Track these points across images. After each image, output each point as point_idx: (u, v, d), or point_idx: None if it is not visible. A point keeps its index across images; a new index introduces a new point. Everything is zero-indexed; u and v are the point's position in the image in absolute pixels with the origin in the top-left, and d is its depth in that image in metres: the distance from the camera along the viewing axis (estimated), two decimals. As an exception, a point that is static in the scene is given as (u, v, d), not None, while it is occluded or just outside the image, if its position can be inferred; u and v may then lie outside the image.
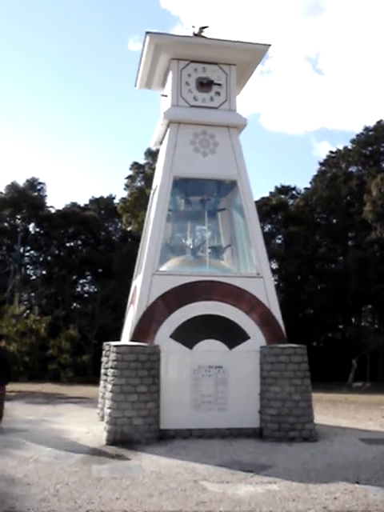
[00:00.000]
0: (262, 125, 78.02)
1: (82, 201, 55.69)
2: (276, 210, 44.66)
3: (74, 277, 46.45)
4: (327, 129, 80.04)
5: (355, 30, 78.67)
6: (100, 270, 45.29)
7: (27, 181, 47.53)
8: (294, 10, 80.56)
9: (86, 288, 49.16)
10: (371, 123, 46.12)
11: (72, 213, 45.65)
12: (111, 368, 11.81)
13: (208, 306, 12.62)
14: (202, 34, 14.26)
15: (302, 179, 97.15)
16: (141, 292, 12.68)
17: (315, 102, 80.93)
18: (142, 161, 41.19)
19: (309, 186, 47.16)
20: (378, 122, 44.83)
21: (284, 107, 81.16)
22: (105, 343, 15.11)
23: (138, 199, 37.82)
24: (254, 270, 13.40)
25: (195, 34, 14.25)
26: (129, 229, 42.03)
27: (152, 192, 15.71)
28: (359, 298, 39.81)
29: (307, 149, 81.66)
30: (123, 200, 40.82)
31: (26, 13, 78.72)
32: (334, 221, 44.33)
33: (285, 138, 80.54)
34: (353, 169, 45.71)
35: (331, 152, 47.05)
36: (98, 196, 51.41)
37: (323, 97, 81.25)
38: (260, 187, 68.88)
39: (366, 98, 78.68)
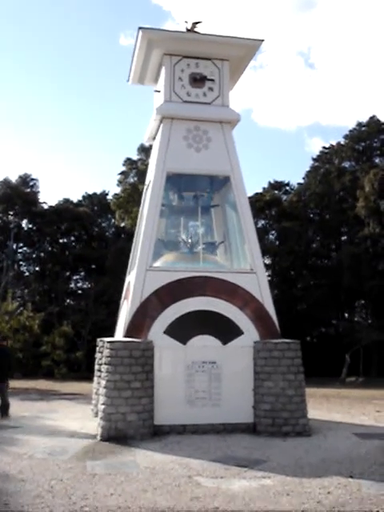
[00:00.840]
0: (254, 120, 77.95)
1: (75, 197, 55.71)
2: (269, 205, 44.67)
3: (68, 273, 46.37)
4: (320, 124, 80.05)
5: (347, 25, 78.75)
6: (93, 266, 45.25)
7: (20, 177, 47.36)
8: (285, 5, 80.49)
9: (79, 284, 49.09)
10: (364, 118, 46.23)
11: (65, 209, 45.55)
12: (105, 364, 11.80)
13: (202, 301, 12.62)
14: (195, 29, 14.23)
15: (294, 175, 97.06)
16: (134, 288, 12.67)
17: (308, 98, 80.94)
18: (135, 157, 41.14)
19: (302, 181, 47.22)
20: (371, 118, 44.89)
21: (276, 102, 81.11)
22: (98, 339, 15.11)
23: (131, 195, 37.72)
24: (247, 266, 13.41)
25: (188, 30, 14.21)
26: (122, 225, 41.92)
27: (145, 188, 15.69)
28: (352, 294, 39.93)
29: (299, 144, 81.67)
30: (116, 196, 40.74)
31: (18, 10, 78.37)
32: (327, 216, 44.38)
33: (277, 134, 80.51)
34: (346, 164, 45.76)
35: (324, 148, 47.13)
36: (91, 192, 51.34)
37: (316, 92, 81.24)
38: (252, 183, 68.62)
39: (358, 93, 78.79)
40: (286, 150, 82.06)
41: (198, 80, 14.02)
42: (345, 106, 79.27)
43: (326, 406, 17.62)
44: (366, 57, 78.02)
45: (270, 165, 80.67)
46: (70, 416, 14.57)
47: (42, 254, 46.75)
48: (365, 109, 72.96)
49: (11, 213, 46.28)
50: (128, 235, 37.37)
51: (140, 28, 13.59)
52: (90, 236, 47.05)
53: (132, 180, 40.10)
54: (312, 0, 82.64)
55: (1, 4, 68.92)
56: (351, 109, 79.86)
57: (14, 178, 46.93)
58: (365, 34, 77.13)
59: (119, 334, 13.51)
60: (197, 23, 14.30)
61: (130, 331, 12.33)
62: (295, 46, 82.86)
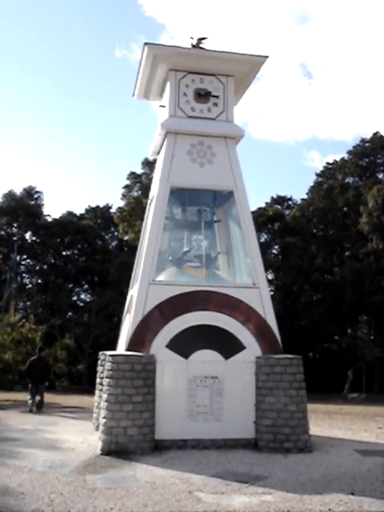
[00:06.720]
0: (249, 133, 77.98)
1: (79, 210, 55.92)
2: (272, 220, 44.81)
3: (70, 286, 46.45)
4: (318, 138, 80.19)
5: (343, 38, 79.35)
6: (96, 280, 45.34)
7: (24, 189, 47.60)
8: (281, 18, 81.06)
9: (81, 297, 49.16)
10: (362, 132, 46.62)
11: (69, 222, 45.72)
12: (106, 377, 11.78)
13: (204, 316, 12.61)
14: (201, 45, 14.35)
15: (292, 189, 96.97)
16: (137, 301, 12.68)
17: (305, 111, 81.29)
18: (139, 170, 41.49)
19: (304, 196, 47.41)
20: (375, 134, 45.17)
21: (273, 115, 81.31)
22: (100, 352, 15.09)
23: (135, 209, 37.89)
24: (250, 281, 13.41)
25: (193, 45, 14.32)
26: (125, 238, 42.06)
27: (149, 202, 15.74)
28: (355, 309, 39.88)
29: (297, 158, 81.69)
30: (120, 209, 40.94)
31: (12, 24, 79.05)
32: (331, 232, 44.48)
33: (274, 147, 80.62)
34: (349, 180, 45.98)
35: (328, 163, 47.41)
36: (94, 205, 51.54)
37: (313, 105, 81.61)
38: (250, 196, 68.64)
39: (356, 107, 79.22)
40: (284, 164, 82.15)
41: (202, 95, 14.11)
42: (343, 119, 79.66)
43: (328, 422, 17.53)
44: (362, 71, 78.51)
45: (268, 178, 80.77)
46: (71, 429, 14.51)
47: (45, 267, 46.85)
48: (363, 123, 73.49)
49: (15, 225, 46.50)
50: (131, 249, 37.48)
51: (146, 43, 13.71)
52: (93, 249, 47.15)
53: (136, 194, 40.36)
54: (308, 13, 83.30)
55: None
56: (349, 123, 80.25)
57: (18, 191, 47.24)
58: (361, 47, 77.76)
59: (121, 348, 13.50)
60: (202, 39, 14.41)
61: (132, 345, 12.32)
62: (291, 60, 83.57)
